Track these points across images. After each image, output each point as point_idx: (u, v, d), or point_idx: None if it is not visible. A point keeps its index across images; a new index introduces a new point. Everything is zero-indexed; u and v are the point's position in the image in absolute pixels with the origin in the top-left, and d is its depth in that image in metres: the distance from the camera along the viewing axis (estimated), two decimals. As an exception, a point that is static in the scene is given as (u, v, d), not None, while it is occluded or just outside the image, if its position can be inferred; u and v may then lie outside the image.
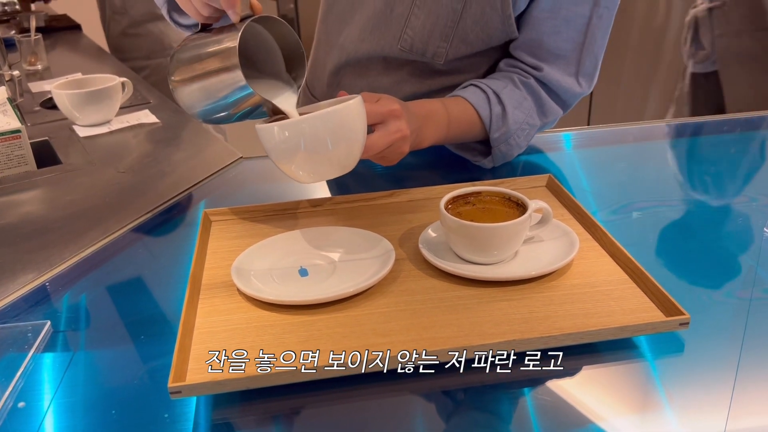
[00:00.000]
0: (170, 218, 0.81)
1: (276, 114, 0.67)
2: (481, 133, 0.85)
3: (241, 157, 0.98)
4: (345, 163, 0.66)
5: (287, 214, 0.76)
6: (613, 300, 0.57)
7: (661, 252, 0.69)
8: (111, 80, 1.16)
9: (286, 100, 0.68)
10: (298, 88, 0.69)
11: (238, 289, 0.61)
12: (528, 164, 0.92)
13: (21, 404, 0.52)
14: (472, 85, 0.85)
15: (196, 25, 0.81)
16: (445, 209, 0.63)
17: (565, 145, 1.00)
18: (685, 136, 1.03)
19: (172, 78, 0.68)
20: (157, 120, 1.16)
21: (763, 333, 0.56)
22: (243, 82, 0.62)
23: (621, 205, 0.78)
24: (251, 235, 0.72)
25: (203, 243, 0.70)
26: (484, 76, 0.92)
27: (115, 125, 1.14)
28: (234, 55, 0.61)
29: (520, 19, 0.84)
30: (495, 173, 0.88)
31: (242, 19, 0.64)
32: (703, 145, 1.02)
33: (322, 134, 0.62)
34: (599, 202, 0.80)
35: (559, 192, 0.77)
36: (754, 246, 0.68)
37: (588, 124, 2.48)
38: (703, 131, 1.05)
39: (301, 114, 0.68)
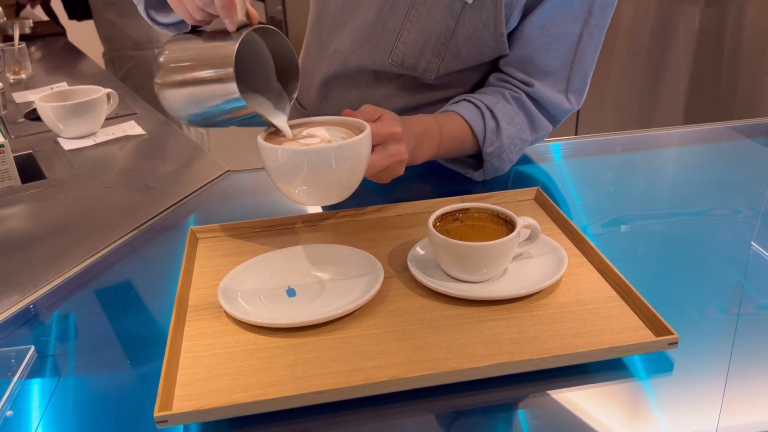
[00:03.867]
0: (157, 235, 0.81)
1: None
2: (473, 147, 0.85)
3: (228, 171, 0.97)
4: (346, 191, 0.66)
5: (275, 230, 0.76)
6: (602, 318, 0.57)
7: (649, 266, 0.69)
8: (96, 92, 1.15)
9: (279, 114, 0.67)
10: (290, 101, 0.69)
11: (225, 311, 0.60)
12: (517, 175, 0.92)
13: (4, 434, 0.52)
14: (464, 100, 0.85)
15: (177, 24, 0.80)
16: (434, 227, 0.63)
17: (554, 155, 1.00)
18: (673, 145, 1.04)
19: (157, 80, 0.66)
20: (142, 131, 1.15)
21: (751, 349, 0.56)
22: (237, 94, 0.61)
23: (609, 218, 0.78)
24: (238, 253, 0.71)
25: (190, 262, 0.70)
26: (474, 89, 0.92)
27: (101, 137, 1.13)
28: (229, 66, 0.60)
29: (511, 35, 0.84)
30: (484, 185, 0.88)
31: (238, 29, 0.62)
32: (690, 154, 1.02)
33: (330, 164, 0.62)
34: (588, 215, 0.80)
35: (548, 206, 0.77)
36: (741, 260, 0.68)
37: (576, 134, 2.49)
38: (691, 140, 1.06)
39: (293, 127, 0.68)
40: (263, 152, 0.63)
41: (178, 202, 0.88)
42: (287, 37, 0.69)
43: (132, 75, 2.08)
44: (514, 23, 0.83)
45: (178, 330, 0.59)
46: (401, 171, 0.72)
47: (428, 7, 0.82)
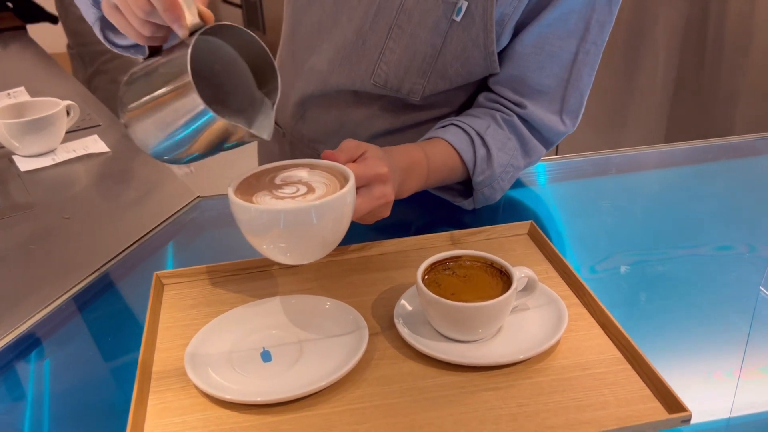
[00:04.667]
0: (119, 278, 0.74)
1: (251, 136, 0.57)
2: (462, 176, 0.80)
3: (198, 197, 0.90)
4: (327, 247, 0.60)
5: (248, 274, 0.70)
6: (607, 387, 0.53)
7: (651, 316, 0.64)
8: (55, 105, 1.07)
9: (261, 125, 0.59)
10: (273, 104, 0.60)
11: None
12: (506, 200, 0.86)
13: None
14: (452, 124, 0.79)
15: (136, 45, 0.72)
16: (423, 280, 0.58)
17: (544, 177, 0.95)
18: (670, 165, 0.99)
19: (123, 119, 0.58)
20: (106, 148, 1.07)
21: (754, 419, 0.52)
22: (201, 105, 0.52)
23: (606, 255, 0.74)
24: (208, 303, 0.65)
25: (154, 316, 0.63)
26: (462, 109, 0.86)
27: (60, 155, 1.05)
28: (185, 74, 0.52)
29: (502, 53, 0.78)
30: (474, 213, 0.82)
31: (192, 33, 0.54)
32: (692, 175, 0.97)
33: (310, 222, 0.55)
34: (584, 250, 0.76)
35: (542, 243, 0.72)
36: (749, 307, 0.64)
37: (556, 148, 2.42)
38: (692, 158, 1.01)
39: (269, 171, 0.61)
40: (235, 209, 0.57)
41: (144, 236, 0.81)
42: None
43: (104, 70, 1.97)
44: (505, 41, 0.77)
45: (141, 405, 0.53)
46: (387, 213, 0.66)
47: (412, 25, 0.76)
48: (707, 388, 0.55)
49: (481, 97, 0.84)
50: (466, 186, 0.83)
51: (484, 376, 0.54)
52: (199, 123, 0.54)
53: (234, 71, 0.61)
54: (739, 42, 1.85)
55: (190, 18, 0.54)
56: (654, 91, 2.05)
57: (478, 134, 0.78)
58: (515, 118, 0.80)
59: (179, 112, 0.54)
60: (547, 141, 0.83)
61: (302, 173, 0.61)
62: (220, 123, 0.54)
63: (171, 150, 0.59)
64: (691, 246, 0.75)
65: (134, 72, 0.59)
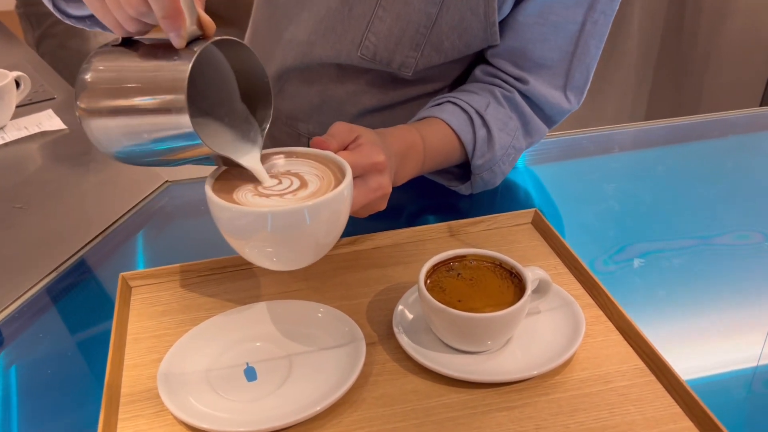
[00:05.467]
0: (81, 278, 0.66)
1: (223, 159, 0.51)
2: (460, 158, 0.73)
3: (167, 181, 0.82)
4: (320, 252, 0.52)
5: (227, 273, 0.63)
6: (632, 404, 0.48)
7: (669, 315, 0.59)
8: (2, 77, 0.96)
9: (249, 153, 0.51)
10: (263, 131, 0.53)
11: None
12: (504, 182, 0.80)
13: None
14: (449, 102, 0.72)
15: (93, 17, 0.63)
16: (425, 286, 0.51)
17: (544, 154, 0.88)
18: (675, 142, 0.94)
19: (81, 104, 0.50)
20: (62, 125, 0.97)
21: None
22: (189, 128, 0.45)
23: (617, 246, 0.68)
24: (182, 308, 0.58)
25: (121, 325, 0.56)
26: (455, 84, 0.79)
27: (11, 134, 0.95)
28: (180, 92, 0.44)
29: (502, 23, 0.70)
30: (472, 199, 0.76)
31: (189, 42, 0.46)
32: (700, 152, 0.91)
33: (301, 226, 0.47)
34: (592, 239, 0.70)
35: (548, 234, 0.66)
36: (772, 302, 0.60)
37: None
38: (697, 134, 0.96)
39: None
40: (213, 208, 0.49)
41: (107, 228, 0.73)
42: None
43: (52, 34, 1.82)
44: (507, 10, 0.70)
45: (108, 436, 0.46)
46: (383, 206, 0.59)
47: (405, -9, 0.68)
48: (743, 404, 0.51)
49: (478, 71, 0.76)
50: (463, 169, 0.76)
51: (496, 393, 0.49)
52: (180, 144, 0.47)
53: (221, 82, 0.53)
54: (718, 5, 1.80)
55: (190, 25, 0.46)
56: (631, 67, 1.99)
57: (478, 113, 0.71)
58: (516, 95, 0.74)
59: (159, 128, 0.47)
60: (549, 119, 0.76)
61: (290, 164, 0.53)
62: (205, 150, 0.47)
63: (132, 157, 0.51)
64: (708, 234, 0.70)
65: (104, 57, 0.50)
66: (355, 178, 0.54)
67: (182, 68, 0.45)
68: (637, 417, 0.47)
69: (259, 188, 0.50)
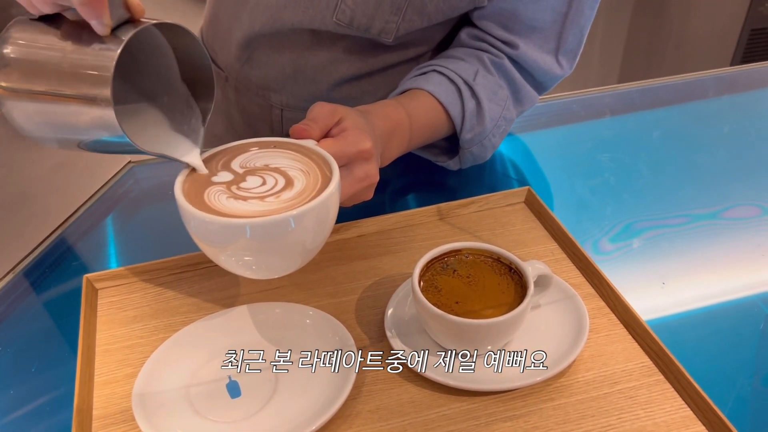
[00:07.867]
0: (41, 280, 0.61)
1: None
2: (448, 132, 0.68)
3: (131, 162, 0.75)
4: (305, 259, 0.48)
5: (201, 271, 0.58)
6: (641, 407, 0.45)
7: (671, 303, 0.57)
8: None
9: (188, 144, 0.47)
10: (203, 123, 0.48)
11: (145, 434, 0.44)
12: (494, 153, 0.76)
13: None
14: (434, 71, 0.66)
15: None
16: (419, 287, 0.48)
17: (531, 120, 0.84)
18: (671, 103, 0.89)
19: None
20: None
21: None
22: (115, 125, 0.40)
23: (614, 223, 0.65)
24: (155, 312, 0.54)
25: (89, 334, 0.52)
26: (439, 49, 0.73)
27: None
28: (105, 85, 0.39)
29: (490, -16, 0.64)
30: (460, 174, 0.72)
31: (115, 28, 0.41)
32: (709, 111, 0.87)
33: (284, 234, 0.43)
34: (587, 216, 0.67)
35: (543, 215, 0.62)
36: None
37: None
38: (693, 94, 0.91)
39: (223, 153, 0.48)
40: (184, 214, 0.44)
41: (68, 219, 0.67)
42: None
43: None
44: (496, -31, 0.64)
45: (82, 468, 0.42)
46: (370, 195, 0.55)
47: (384, -51, 0.61)
48: (752, 402, 0.49)
49: (464, 34, 0.70)
50: (451, 142, 0.71)
51: (499, 401, 0.46)
52: (109, 140, 0.42)
53: (158, 58, 0.47)
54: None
55: (114, 10, 0.40)
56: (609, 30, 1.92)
57: (466, 83, 0.66)
58: (505, 60, 0.68)
59: (85, 121, 0.42)
60: (540, 85, 0.71)
61: (271, 156, 0.48)
62: (131, 146, 0.42)
63: (56, 144, 0.46)
64: (708, 212, 0.67)
65: (25, 28, 0.44)
66: (340, 167, 0.49)
67: (109, 55, 0.39)
68: (648, 423, 0.44)
69: (233, 189, 0.45)
